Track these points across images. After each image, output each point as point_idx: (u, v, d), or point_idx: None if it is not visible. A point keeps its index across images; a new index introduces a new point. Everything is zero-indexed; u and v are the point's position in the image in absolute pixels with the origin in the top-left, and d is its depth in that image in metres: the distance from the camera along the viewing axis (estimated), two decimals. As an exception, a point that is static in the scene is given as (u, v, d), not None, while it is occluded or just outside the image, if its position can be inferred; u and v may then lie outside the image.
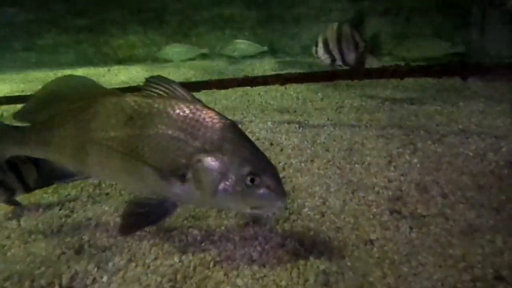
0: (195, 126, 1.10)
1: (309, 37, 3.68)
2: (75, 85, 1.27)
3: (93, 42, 4.39)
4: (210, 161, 1.06)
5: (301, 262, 1.15)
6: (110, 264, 1.20)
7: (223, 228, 1.33)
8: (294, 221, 1.34)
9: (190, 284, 1.10)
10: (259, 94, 2.65)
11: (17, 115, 1.31)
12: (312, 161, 1.70)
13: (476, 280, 1.04)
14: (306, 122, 2.10)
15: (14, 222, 1.44)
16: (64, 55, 4.41)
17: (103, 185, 1.67)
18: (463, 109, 2.12)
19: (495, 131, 1.86)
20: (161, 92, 1.16)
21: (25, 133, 1.31)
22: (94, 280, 1.14)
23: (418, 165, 1.65)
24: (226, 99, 2.60)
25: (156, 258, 1.21)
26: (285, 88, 2.73)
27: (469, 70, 1.65)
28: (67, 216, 1.47)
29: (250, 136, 1.99)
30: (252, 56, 3.74)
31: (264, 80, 1.93)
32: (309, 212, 1.38)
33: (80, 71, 3.89)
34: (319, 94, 2.54)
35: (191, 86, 2.30)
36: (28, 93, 2.50)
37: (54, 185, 1.69)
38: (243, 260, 1.18)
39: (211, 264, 1.17)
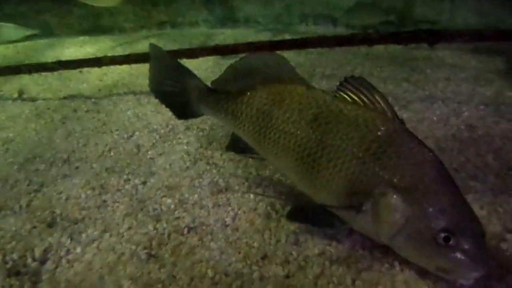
0: (387, 153, 0.91)
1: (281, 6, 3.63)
2: (271, 63, 1.18)
3: (56, 12, 4.13)
4: (396, 200, 0.87)
5: (273, 224, 1.19)
6: (84, 235, 1.20)
7: (196, 196, 1.35)
8: (266, 186, 1.38)
9: (166, 250, 1.12)
10: (231, 64, 2.61)
11: (213, 82, 1.29)
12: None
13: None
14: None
15: (-20, 199, 1.41)
16: (25, 26, 4.14)
17: (72, 158, 1.64)
18: (429, 76, 2.18)
19: (458, 97, 1.94)
20: (356, 98, 0.99)
21: (219, 100, 1.28)
22: (68, 252, 1.14)
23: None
24: (197, 70, 2.54)
25: (130, 228, 1.22)
26: (258, 58, 2.70)
27: (435, 38, 1.69)
28: (36, 191, 1.44)
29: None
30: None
31: (234, 49, 1.90)
32: (280, 178, 1.42)
33: (41, 43, 3.68)
34: (291, 62, 2.54)
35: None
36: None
37: (21, 161, 1.64)
38: (216, 226, 1.21)
39: (185, 231, 1.19)
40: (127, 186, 1.43)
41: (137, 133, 1.83)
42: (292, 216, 1.08)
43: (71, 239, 1.18)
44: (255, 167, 1.49)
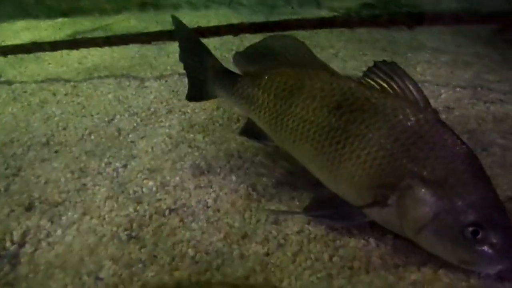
0: (418, 144, 0.86)
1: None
2: (293, 47, 1.11)
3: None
4: (424, 193, 0.83)
5: (254, 205, 1.21)
6: (64, 218, 1.19)
7: (178, 178, 1.35)
8: (247, 168, 1.39)
9: (147, 231, 1.13)
10: (214, 46, 2.57)
11: (235, 57, 1.23)
12: (266, 112, 1.74)
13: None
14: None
15: (-45, 184, 1.38)
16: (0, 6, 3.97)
17: (51, 142, 1.61)
18: (410, 60, 2.21)
19: (437, 79, 1.98)
20: (385, 85, 0.92)
21: (235, 83, 1.21)
22: (48, 235, 1.13)
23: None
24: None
25: (111, 210, 1.22)
26: (241, 41, 2.67)
27: (414, 20, 1.70)
28: (14, 175, 1.42)
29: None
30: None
31: (216, 30, 1.88)
32: (262, 160, 1.43)
33: (19, 25, 3.54)
34: (275, 46, 2.54)
35: (139, 38, 2.19)
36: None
37: (-3, 145, 1.60)
38: (198, 207, 1.22)
39: (167, 212, 1.20)
40: (107, 169, 1.42)
41: (118, 116, 1.81)
42: (309, 210, 1.05)
43: (51, 222, 1.17)
44: (237, 149, 1.50)
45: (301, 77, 1.06)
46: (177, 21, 1.35)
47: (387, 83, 0.92)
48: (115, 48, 2.59)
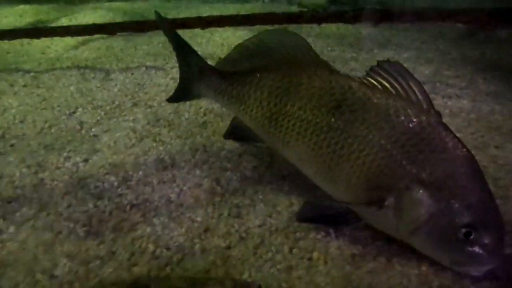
0: (418, 146, 0.84)
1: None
2: (290, 43, 1.03)
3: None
4: (421, 195, 0.83)
5: (217, 199, 1.21)
6: (18, 214, 1.15)
7: (141, 173, 1.33)
8: (213, 163, 1.39)
9: (106, 227, 1.11)
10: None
11: (220, 63, 1.15)
12: (233, 106, 1.73)
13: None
14: (230, 68, 2.09)
15: None
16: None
17: (7, 136, 1.54)
18: (376, 56, 2.26)
19: (401, 76, 2.04)
20: (388, 85, 0.89)
21: (223, 81, 1.13)
22: (1, 232, 1.09)
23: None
24: (147, 44, 2.46)
25: (69, 206, 1.18)
26: (211, 34, 2.64)
27: (379, 17, 1.75)
28: (-35, 170, 1.35)
29: (171, 82, 1.95)
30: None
31: (183, 22, 1.84)
32: (227, 154, 1.43)
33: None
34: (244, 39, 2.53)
35: (105, 29, 2.12)
36: None
37: None
38: (160, 202, 1.20)
39: (128, 208, 1.18)
40: (67, 164, 1.37)
41: (80, 109, 1.75)
42: (303, 216, 1.02)
43: (4, 219, 1.12)
44: (203, 144, 1.49)
45: (298, 75, 1.01)
46: (158, 17, 1.29)
47: (390, 83, 0.90)
48: (80, 38, 2.50)
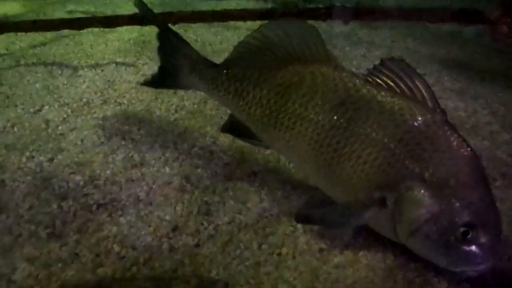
0: (422, 145, 0.83)
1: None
2: (296, 35, 0.97)
3: None
4: (423, 195, 0.82)
5: (186, 197, 1.19)
6: (-25, 217, 1.09)
7: (108, 172, 1.30)
8: (183, 160, 1.37)
9: (71, 228, 1.07)
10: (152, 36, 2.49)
11: (226, 62, 1.09)
12: (205, 103, 1.71)
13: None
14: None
15: None
16: None
17: (-35, 135, 1.46)
18: (348, 54, 2.30)
19: (372, 73, 2.08)
20: (392, 84, 0.87)
21: (219, 75, 1.08)
22: (-47, 237, 1.03)
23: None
24: (118, 41, 2.40)
25: (31, 208, 1.14)
26: (185, 31, 2.60)
27: (350, 15, 1.77)
28: None
29: (142, 79, 1.91)
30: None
31: (153, 18, 1.80)
32: (199, 151, 1.42)
33: None
34: (219, 37, 2.49)
35: (73, 24, 2.05)
36: None
37: None
38: (128, 201, 1.18)
39: (94, 208, 1.15)
40: (30, 164, 1.32)
41: (46, 107, 1.69)
42: (298, 218, 0.98)
43: (-41, 223, 1.07)
44: (174, 141, 1.47)
45: (300, 71, 0.97)
46: (139, 4, 1.23)
47: (394, 82, 0.88)
48: (47, 33, 2.41)
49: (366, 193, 0.89)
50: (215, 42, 2.44)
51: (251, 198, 1.19)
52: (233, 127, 1.16)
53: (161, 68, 1.27)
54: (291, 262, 0.99)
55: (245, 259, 0.99)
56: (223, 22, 1.79)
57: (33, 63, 2.11)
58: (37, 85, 1.87)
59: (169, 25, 1.36)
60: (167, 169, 1.31)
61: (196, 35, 2.57)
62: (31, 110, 1.65)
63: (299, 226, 1.07)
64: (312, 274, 0.95)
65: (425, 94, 0.86)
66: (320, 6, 2.43)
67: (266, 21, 1.07)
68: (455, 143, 0.84)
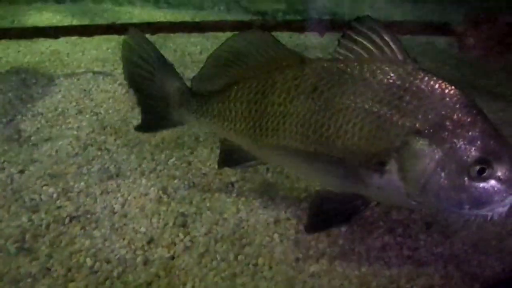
0: (405, 98, 0.81)
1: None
2: (256, 43, 0.99)
3: None
4: (423, 144, 0.79)
5: (163, 208, 1.18)
6: None
7: (83, 183, 1.27)
8: (160, 171, 1.36)
9: (42, 242, 1.05)
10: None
11: (195, 79, 1.09)
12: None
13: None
14: (182, 75, 2.06)
15: None
16: None
17: None
18: (326, 64, 2.36)
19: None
20: (360, 50, 0.86)
21: (202, 103, 1.09)
22: None
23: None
24: (96, 49, 2.37)
25: (0, 221, 1.10)
26: (164, 40, 2.60)
27: (327, 26, 1.82)
28: None
29: (119, 88, 1.90)
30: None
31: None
32: (176, 162, 1.41)
33: None
34: (199, 47, 2.51)
35: (48, 32, 2.02)
36: None
37: None
38: (103, 213, 1.16)
39: (67, 220, 1.12)
40: (0, 176, 1.28)
41: (19, 117, 1.64)
42: (310, 228, 0.98)
43: None
44: (151, 152, 1.46)
45: (271, 74, 0.99)
46: (134, 33, 1.16)
47: (362, 45, 0.87)
48: (22, 42, 2.36)
49: (364, 166, 0.86)
50: (194, 52, 2.45)
51: (228, 208, 1.19)
52: (227, 158, 1.16)
53: (153, 107, 1.20)
54: (267, 272, 0.99)
55: (221, 270, 0.99)
56: (201, 33, 1.80)
57: (7, 72, 2.06)
58: (10, 94, 1.82)
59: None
60: (144, 180, 1.30)
61: (176, 45, 2.57)
62: (4, 120, 1.61)
63: (276, 235, 1.08)
64: (288, 283, 0.96)
65: (394, 47, 0.86)
66: (298, 18, 2.49)
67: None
68: (436, 86, 0.82)
